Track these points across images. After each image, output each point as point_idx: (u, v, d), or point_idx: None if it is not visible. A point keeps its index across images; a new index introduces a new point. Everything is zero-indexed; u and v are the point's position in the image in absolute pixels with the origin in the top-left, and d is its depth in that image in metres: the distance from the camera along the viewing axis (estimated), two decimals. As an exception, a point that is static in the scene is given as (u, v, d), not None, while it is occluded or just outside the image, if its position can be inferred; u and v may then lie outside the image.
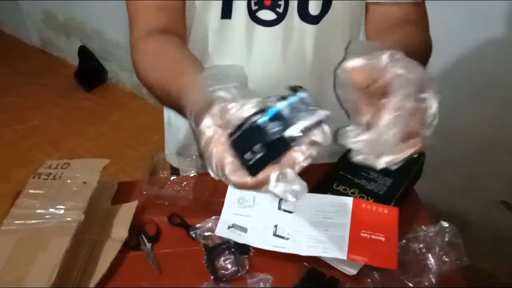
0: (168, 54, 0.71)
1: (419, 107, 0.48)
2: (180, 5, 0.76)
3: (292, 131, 0.45)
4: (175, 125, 1.01)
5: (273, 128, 0.45)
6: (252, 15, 0.77)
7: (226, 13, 0.76)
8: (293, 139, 0.45)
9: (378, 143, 0.48)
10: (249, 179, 0.47)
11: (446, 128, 1.61)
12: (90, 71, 2.86)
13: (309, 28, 0.79)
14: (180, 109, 0.59)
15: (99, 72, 2.87)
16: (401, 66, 0.48)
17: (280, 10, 0.77)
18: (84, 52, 2.86)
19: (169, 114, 1.03)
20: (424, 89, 0.48)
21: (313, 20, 0.78)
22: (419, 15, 0.79)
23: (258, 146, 0.45)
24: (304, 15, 0.77)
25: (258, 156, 0.46)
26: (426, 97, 0.48)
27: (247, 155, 0.46)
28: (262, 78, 0.79)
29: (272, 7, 0.76)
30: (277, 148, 0.46)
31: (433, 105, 0.49)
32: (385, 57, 0.49)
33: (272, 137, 0.45)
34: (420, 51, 0.70)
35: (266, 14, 0.77)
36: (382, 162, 0.49)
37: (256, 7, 0.76)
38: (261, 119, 0.45)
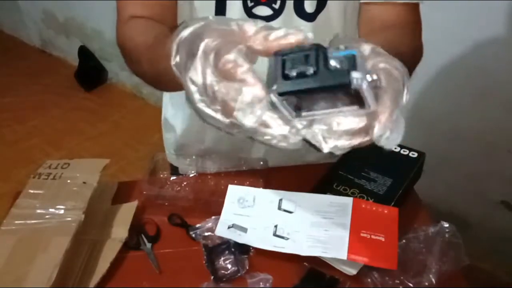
0: (158, 26, 0.69)
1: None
2: (170, 3, 0.76)
3: (361, 74, 0.38)
4: (171, 125, 1.01)
5: (343, 62, 0.39)
6: (248, 11, 0.77)
7: (220, 11, 0.77)
8: (358, 84, 0.39)
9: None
10: (257, 85, 0.41)
11: (446, 128, 1.63)
12: (90, 71, 2.86)
13: (305, 25, 0.79)
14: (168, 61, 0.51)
15: (99, 72, 2.87)
16: (384, 60, 0.46)
17: (277, 6, 0.77)
18: (84, 52, 2.86)
19: (165, 114, 1.03)
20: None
21: (309, 17, 0.78)
22: (411, 18, 0.78)
23: (311, 69, 0.39)
24: (300, 12, 0.78)
25: (305, 72, 0.39)
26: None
27: (290, 69, 0.40)
28: (259, 73, 0.79)
29: (268, 3, 0.76)
30: (332, 78, 0.39)
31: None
32: (367, 48, 0.47)
33: (336, 67, 0.39)
34: (407, 55, 0.70)
35: (262, 10, 0.77)
36: (328, 147, 0.44)
37: (252, 3, 0.76)
38: (335, 52, 0.39)
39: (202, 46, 0.42)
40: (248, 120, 0.41)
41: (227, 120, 0.43)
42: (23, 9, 3.13)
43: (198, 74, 0.42)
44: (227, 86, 0.41)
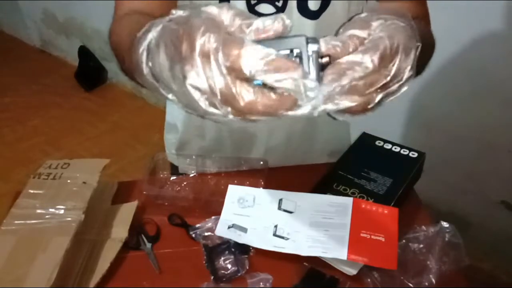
0: (144, 18, 0.65)
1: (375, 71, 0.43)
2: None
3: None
4: (173, 124, 1.01)
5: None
6: (251, 8, 0.77)
7: None
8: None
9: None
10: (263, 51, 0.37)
11: (446, 128, 1.63)
12: (90, 71, 2.86)
13: (308, 23, 0.79)
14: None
15: (99, 72, 2.87)
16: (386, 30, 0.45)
17: (279, 4, 0.76)
18: (84, 52, 2.87)
19: (168, 114, 1.03)
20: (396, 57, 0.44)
21: (312, 15, 0.78)
22: (419, 12, 0.78)
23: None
24: (304, 10, 0.77)
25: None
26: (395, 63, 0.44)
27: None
28: None
29: (271, 1, 0.76)
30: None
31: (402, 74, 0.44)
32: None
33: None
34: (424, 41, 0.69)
35: (265, 8, 0.77)
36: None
37: (255, 1, 0.76)
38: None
39: (197, 46, 0.37)
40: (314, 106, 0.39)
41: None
42: (23, 9, 3.13)
43: (201, 77, 0.38)
44: (264, 92, 0.38)
